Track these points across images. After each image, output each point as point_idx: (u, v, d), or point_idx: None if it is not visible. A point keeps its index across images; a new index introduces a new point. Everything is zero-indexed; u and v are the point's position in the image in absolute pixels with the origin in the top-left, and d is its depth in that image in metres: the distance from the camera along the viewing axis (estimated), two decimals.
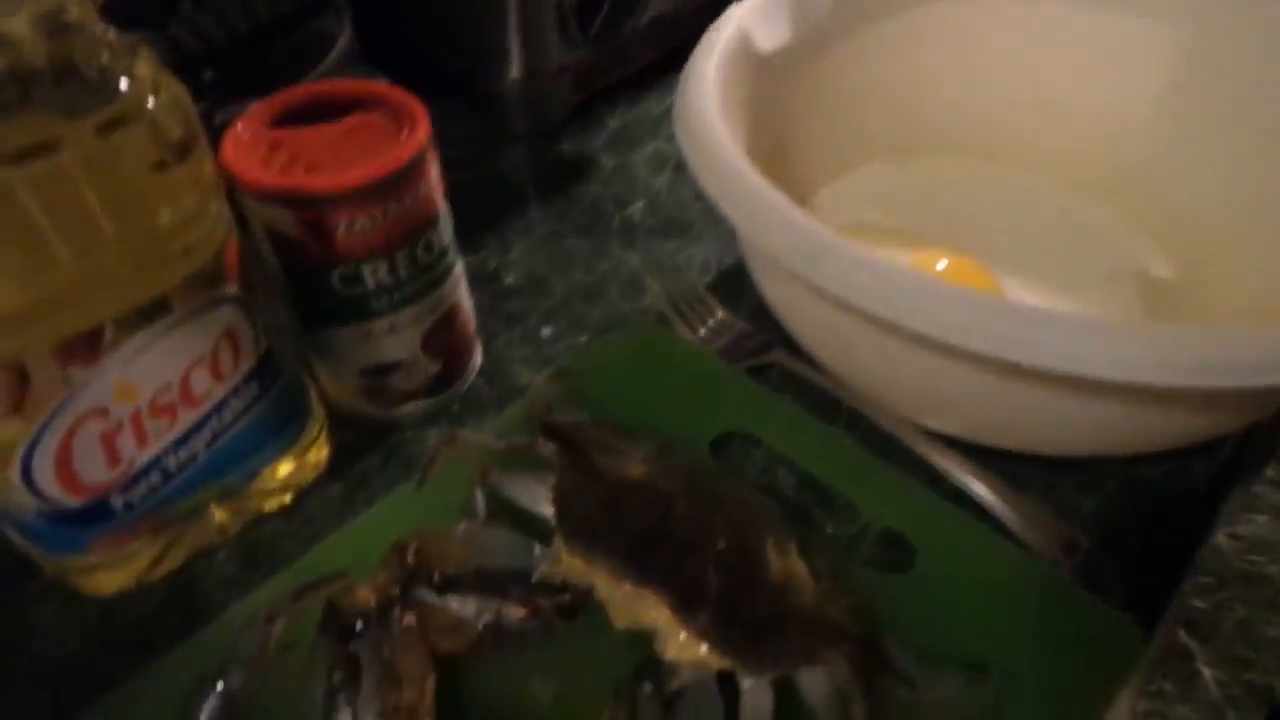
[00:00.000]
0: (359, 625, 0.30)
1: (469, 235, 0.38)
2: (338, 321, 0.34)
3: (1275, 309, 0.36)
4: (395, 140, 0.32)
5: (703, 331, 0.42)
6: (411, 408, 0.39)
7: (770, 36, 0.41)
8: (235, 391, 0.31)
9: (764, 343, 0.41)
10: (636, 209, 0.49)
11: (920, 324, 0.26)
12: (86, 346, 0.25)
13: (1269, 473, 0.32)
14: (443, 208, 0.34)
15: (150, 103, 0.24)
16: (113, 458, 0.29)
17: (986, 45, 0.46)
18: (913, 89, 0.46)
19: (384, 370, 0.36)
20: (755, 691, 0.29)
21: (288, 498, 0.36)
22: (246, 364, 0.30)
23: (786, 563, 0.31)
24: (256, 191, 0.30)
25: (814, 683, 0.29)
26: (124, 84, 0.24)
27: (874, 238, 0.44)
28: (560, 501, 0.33)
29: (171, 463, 0.30)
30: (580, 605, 0.31)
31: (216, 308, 0.28)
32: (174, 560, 0.34)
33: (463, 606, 0.31)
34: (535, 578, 0.32)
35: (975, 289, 0.27)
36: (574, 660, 0.31)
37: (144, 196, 0.25)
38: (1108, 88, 0.44)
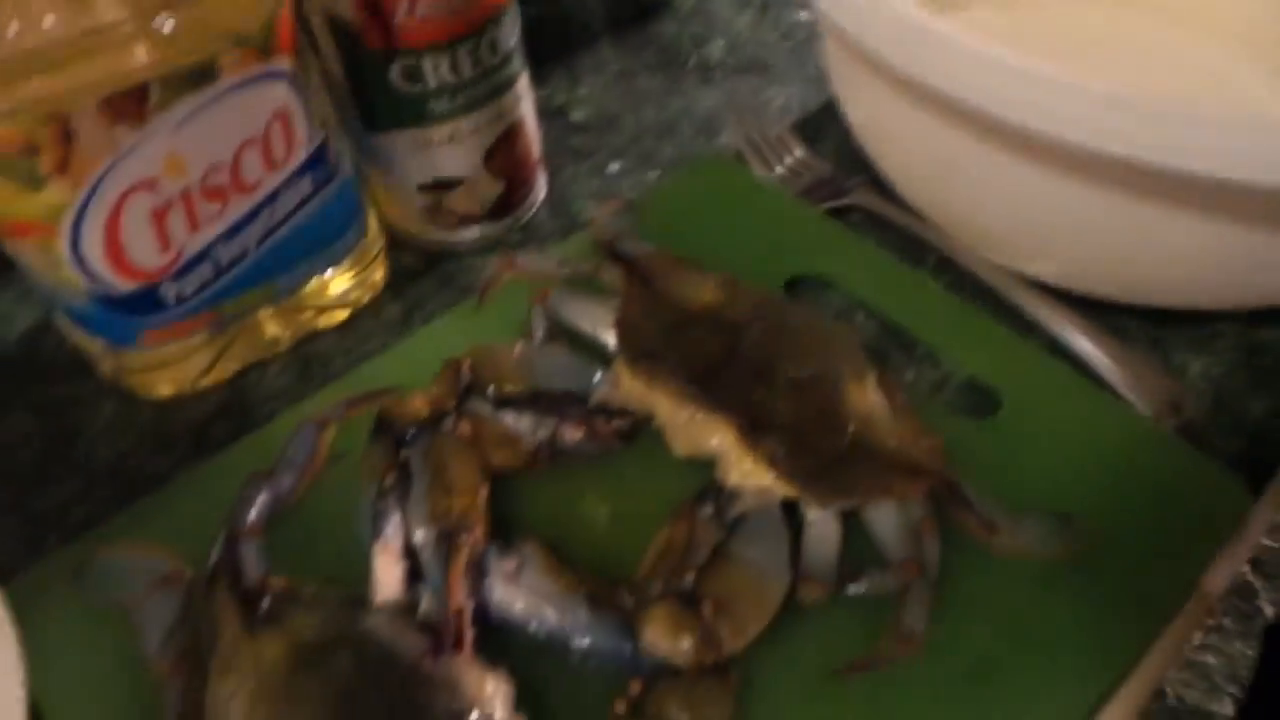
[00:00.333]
0: (411, 433, 0.29)
1: (536, 69, 0.35)
2: (397, 124, 0.32)
3: None
4: None
5: (780, 170, 0.39)
6: (471, 232, 0.37)
7: None
8: (288, 183, 0.29)
9: (846, 183, 0.38)
10: (716, 48, 0.46)
11: (1043, 121, 0.23)
12: (133, 104, 0.24)
13: None
14: (511, 4, 0.31)
15: None
16: (163, 239, 0.27)
17: None
18: None
19: (444, 186, 0.35)
20: (821, 523, 0.27)
21: (343, 315, 0.35)
22: (299, 154, 0.29)
23: (863, 395, 0.29)
24: None
25: (885, 519, 0.28)
26: None
27: None
28: (624, 325, 0.31)
29: (223, 255, 0.29)
30: (639, 429, 0.30)
31: (267, 82, 0.26)
32: (227, 368, 0.33)
33: (518, 421, 0.30)
34: (594, 400, 0.31)
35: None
36: (629, 484, 0.30)
37: None
38: None
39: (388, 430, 0.29)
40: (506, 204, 0.37)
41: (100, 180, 0.25)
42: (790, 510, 0.28)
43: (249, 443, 0.31)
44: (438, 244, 0.37)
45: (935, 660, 0.25)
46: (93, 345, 0.31)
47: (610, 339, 0.32)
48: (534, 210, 0.38)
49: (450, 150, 0.33)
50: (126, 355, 0.31)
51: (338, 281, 0.34)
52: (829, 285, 0.35)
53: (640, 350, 0.30)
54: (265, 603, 0.25)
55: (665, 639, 0.24)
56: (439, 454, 0.28)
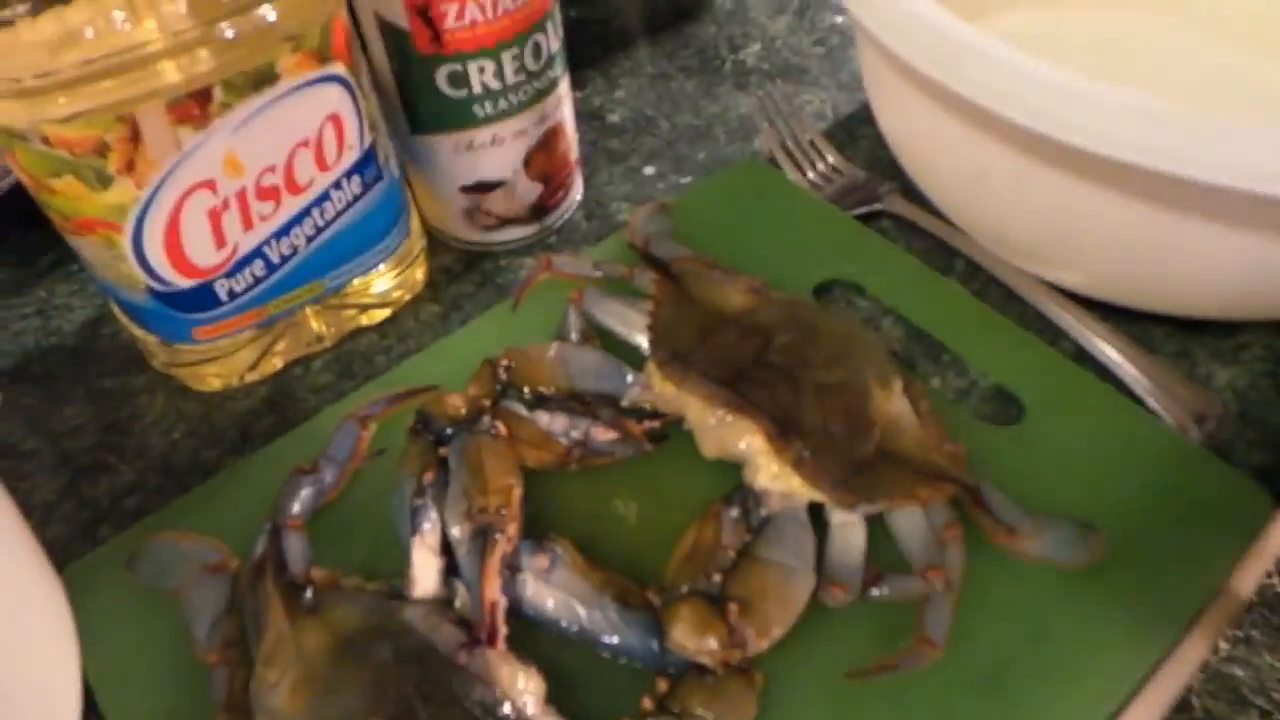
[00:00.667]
0: (449, 431, 0.30)
1: (573, 72, 0.36)
2: (441, 127, 0.33)
3: None
4: None
5: (812, 175, 0.40)
6: (509, 234, 0.38)
7: None
8: (337, 184, 0.30)
9: (878, 189, 0.38)
10: (751, 52, 0.46)
11: (1075, 134, 0.24)
12: (197, 106, 0.25)
13: None
14: (554, 9, 0.32)
15: None
16: (219, 238, 0.29)
17: None
18: None
19: (484, 188, 0.36)
20: (846, 526, 0.28)
21: (385, 313, 0.36)
22: (350, 156, 0.30)
23: (889, 401, 0.30)
24: None
25: (909, 523, 0.28)
26: None
27: None
28: (656, 328, 0.32)
29: (274, 253, 0.30)
30: (669, 431, 0.31)
31: (323, 86, 0.27)
32: (272, 364, 0.35)
33: (552, 422, 0.31)
34: (625, 401, 0.31)
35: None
36: (659, 484, 0.30)
37: None
38: None
39: (427, 428, 0.30)
40: (544, 206, 0.37)
41: (164, 180, 0.26)
42: (816, 513, 0.28)
43: (293, 437, 0.32)
44: (476, 245, 0.38)
45: (955, 663, 0.26)
46: (147, 339, 0.33)
47: (642, 341, 0.33)
48: (570, 212, 0.39)
49: (492, 153, 0.34)
50: (178, 349, 0.33)
51: (380, 280, 0.35)
52: (858, 290, 0.36)
53: (671, 353, 0.31)
54: (309, 594, 0.26)
55: (692, 638, 0.25)
56: (475, 452, 0.29)
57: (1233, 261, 0.27)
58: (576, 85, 0.45)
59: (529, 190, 0.36)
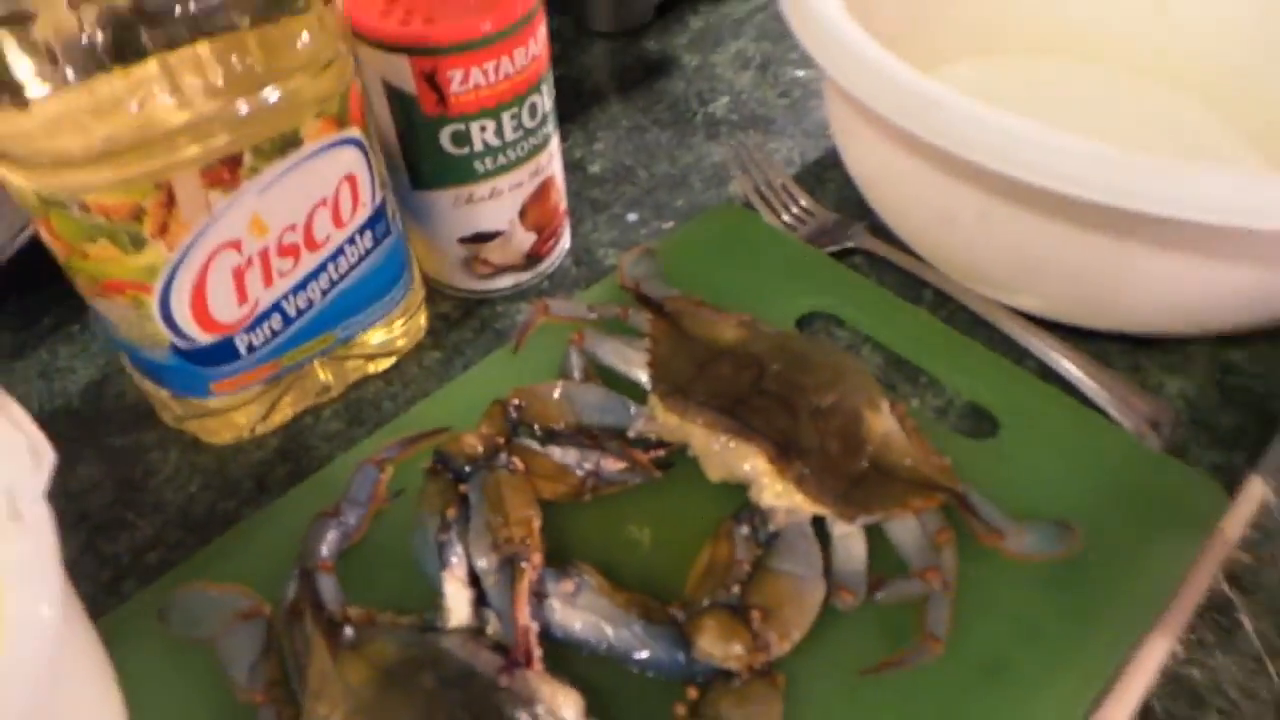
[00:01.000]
0: (467, 469, 0.32)
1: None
2: (443, 183, 0.35)
3: None
4: None
5: (787, 217, 0.42)
6: (505, 281, 0.40)
7: None
8: (351, 240, 0.32)
9: (848, 228, 0.41)
10: (720, 105, 0.49)
11: (1032, 173, 0.27)
12: (228, 170, 0.27)
13: None
14: (548, 72, 0.35)
15: None
16: (241, 295, 0.30)
17: None
18: None
19: (482, 239, 0.38)
20: (847, 537, 0.30)
21: (389, 362, 0.38)
22: (363, 213, 0.32)
23: (878, 419, 0.32)
24: (378, 40, 0.31)
25: (905, 531, 0.30)
26: None
27: None
28: (656, 363, 0.34)
29: (291, 307, 0.32)
30: (675, 458, 0.33)
31: (342, 148, 0.29)
32: (283, 415, 0.36)
33: (564, 455, 0.32)
34: (631, 433, 0.33)
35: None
36: (668, 509, 0.32)
37: (289, 31, 0.26)
38: None
39: (446, 467, 0.32)
40: (538, 254, 0.40)
41: (194, 241, 0.28)
42: (818, 526, 0.30)
43: (310, 484, 0.33)
44: (473, 293, 0.40)
45: (954, 657, 0.28)
46: (158, 395, 0.34)
47: (642, 375, 0.35)
48: (561, 259, 0.41)
49: (491, 205, 0.36)
50: (193, 403, 0.34)
51: (384, 330, 0.36)
52: (838, 322, 0.38)
53: (672, 386, 0.33)
54: (348, 631, 0.27)
55: (719, 645, 0.26)
56: (495, 487, 0.31)
57: (1176, 283, 0.30)
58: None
59: (524, 239, 0.38)
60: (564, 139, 0.48)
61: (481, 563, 0.29)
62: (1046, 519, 0.31)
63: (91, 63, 0.23)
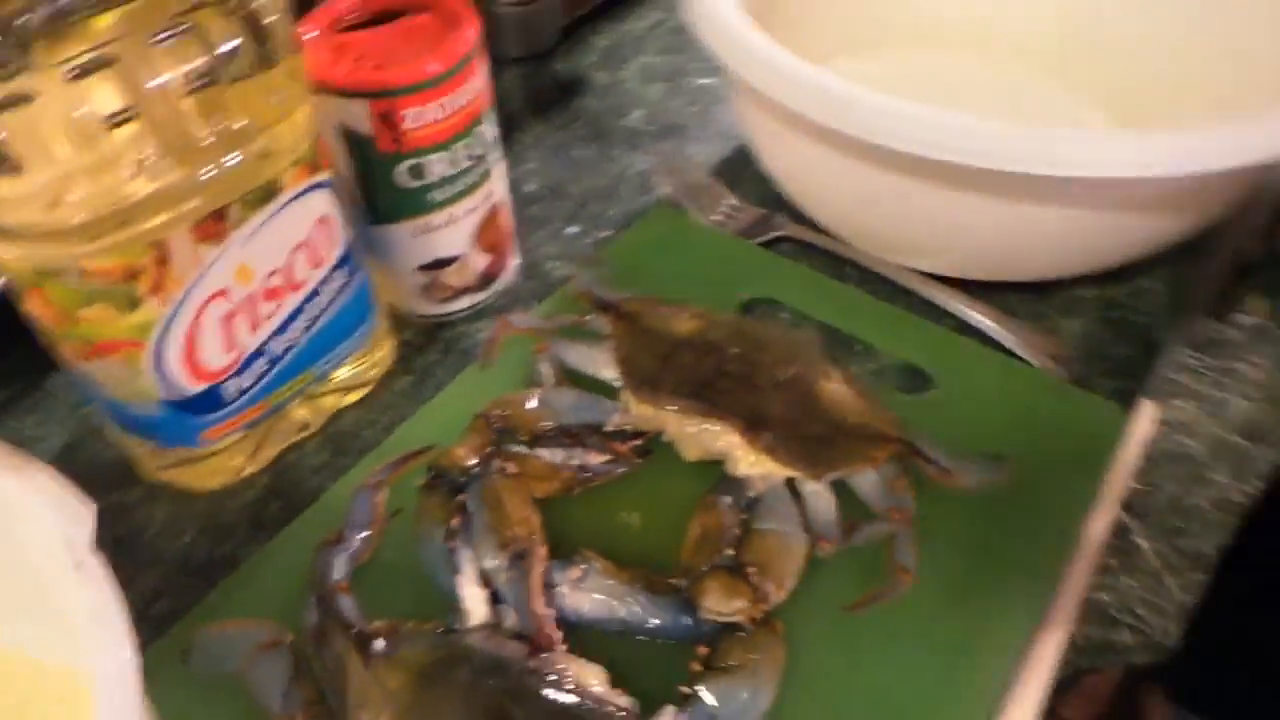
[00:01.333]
0: (462, 480, 0.34)
1: None
2: (400, 216, 0.37)
3: None
4: (448, 38, 0.34)
5: (716, 216, 0.46)
6: (463, 303, 0.42)
7: None
8: (327, 279, 0.34)
9: (772, 219, 0.45)
10: (634, 117, 0.53)
11: (948, 153, 0.31)
12: (216, 224, 0.28)
13: (1185, 359, 0.38)
14: (491, 102, 0.37)
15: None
16: (230, 341, 0.31)
17: None
18: None
19: (440, 265, 0.40)
20: (818, 494, 0.34)
21: (364, 392, 0.39)
22: (336, 251, 0.33)
23: (830, 386, 0.36)
24: (335, 88, 0.33)
25: (866, 482, 0.34)
26: None
27: None
28: (623, 361, 0.36)
29: (275, 348, 0.33)
30: (652, 445, 0.36)
31: (316, 192, 0.31)
32: (267, 454, 0.37)
33: (551, 455, 0.35)
34: (610, 427, 0.36)
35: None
36: (653, 491, 0.35)
37: (266, 84, 0.27)
38: None
39: (442, 480, 0.34)
40: (491, 273, 0.42)
41: (186, 295, 0.29)
42: (791, 487, 0.34)
43: (307, 516, 0.35)
44: (434, 317, 0.42)
45: (922, 586, 0.31)
46: (138, 450, 0.34)
47: (608, 374, 0.38)
48: (513, 276, 0.44)
49: (448, 232, 0.38)
50: (177, 453, 0.34)
51: (356, 363, 0.38)
52: (777, 304, 0.42)
53: (642, 379, 0.36)
54: (378, 644, 0.29)
55: (723, 602, 0.29)
56: (493, 492, 0.33)
57: (1057, 232, 0.35)
58: None
59: (480, 261, 0.41)
60: None
61: (491, 563, 0.31)
62: (982, 454, 0.35)
63: (89, 132, 0.24)
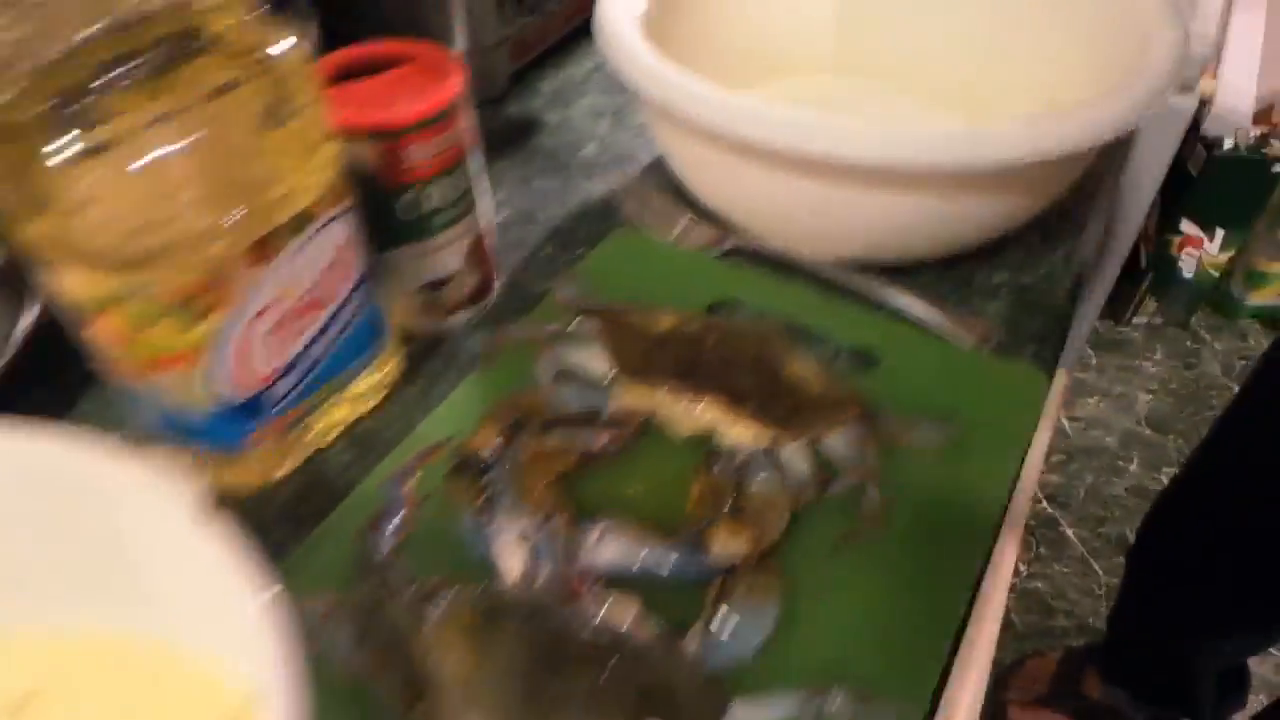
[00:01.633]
0: (486, 463, 0.38)
1: None
2: (403, 241, 0.41)
3: None
4: (435, 84, 0.39)
5: (675, 233, 0.51)
6: (457, 318, 0.46)
7: None
8: (350, 296, 0.37)
9: (724, 234, 0.51)
10: (588, 151, 0.58)
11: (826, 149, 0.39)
12: (263, 249, 0.32)
13: (1093, 361, 0.46)
14: (474, 139, 0.42)
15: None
16: (272, 353, 0.35)
17: None
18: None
19: (438, 284, 0.44)
20: (795, 455, 0.39)
21: (373, 402, 0.43)
22: (358, 271, 0.37)
23: (795, 365, 0.41)
24: (345, 131, 0.37)
25: (837, 443, 0.40)
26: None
27: None
28: (616, 354, 0.41)
29: (309, 359, 0.37)
30: (648, 425, 0.40)
31: (341, 218, 0.35)
32: (296, 459, 0.40)
33: (561, 439, 0.39)
34: (608, 412, 0.41)
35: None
36: (651, 465, 0.40)
37: (303, 131, 0.32)
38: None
39: (467, 465, 0.38)
40: (480, 291, 0.46)
41: (240, 311, 0.33)
42: (771, 453, 0.39)
43: (344, 508, 0.38)
44: (431, 332, 0.46)
45: (887, 529, 0.37)
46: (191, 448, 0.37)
47: (600, 368, 0.42)
48: (499, 292, 0.48)
49: (444, 255, 0.43)
50: (220, 458, 0.38)
51: (372, 373, 0.42)
52: (739, 305, 0.48)
53: (633, 369, 0.41)
54: (438, 600, 0.33)
55: (730, 543, 0.34)
56: (517, 470, 0.37)
57: (943, 217, 0.44)
58: None
59: (470, 280, 0.45)
60: None
61: (526, 527, 0.35)
62: (926, 417, 0.41)
63: (159, 172, 0.28)
